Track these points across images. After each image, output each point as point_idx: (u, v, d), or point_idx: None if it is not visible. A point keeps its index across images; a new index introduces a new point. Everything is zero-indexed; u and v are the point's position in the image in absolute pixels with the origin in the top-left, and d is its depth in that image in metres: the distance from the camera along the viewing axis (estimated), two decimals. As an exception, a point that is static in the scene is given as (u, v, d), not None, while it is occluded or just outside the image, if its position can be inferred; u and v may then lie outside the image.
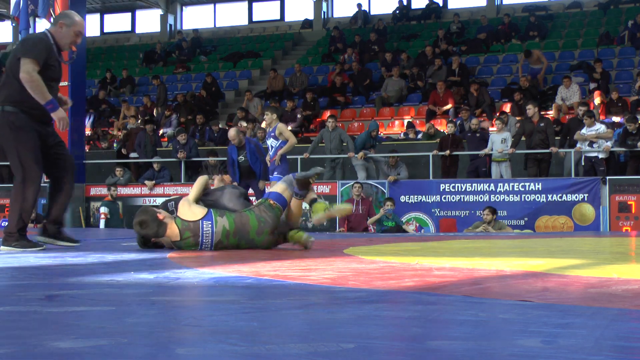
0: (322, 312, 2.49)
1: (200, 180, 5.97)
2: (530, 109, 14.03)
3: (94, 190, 15.68)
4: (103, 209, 14.78)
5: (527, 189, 13.15)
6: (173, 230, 5.64)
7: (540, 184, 13.10)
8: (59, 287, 3.45)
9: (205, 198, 5.97)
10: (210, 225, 5.61)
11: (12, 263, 4.60)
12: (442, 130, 16.31)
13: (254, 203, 6.22)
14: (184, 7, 28.81)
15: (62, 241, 6.26)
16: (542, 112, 15.48)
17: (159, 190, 15.26)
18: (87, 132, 18.10)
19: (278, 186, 5.95)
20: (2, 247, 5.94)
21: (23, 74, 5.69)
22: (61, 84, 15.58)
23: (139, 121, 18.46)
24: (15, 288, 3.30)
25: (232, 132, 11.93)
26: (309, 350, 1.80)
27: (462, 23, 22.85)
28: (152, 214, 5.71)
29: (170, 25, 28.42)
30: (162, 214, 5.68)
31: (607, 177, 12.94)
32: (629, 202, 12.71)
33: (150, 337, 2.02)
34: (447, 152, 14.37)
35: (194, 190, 5.89)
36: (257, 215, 5.73)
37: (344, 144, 15.09)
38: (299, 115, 18.45)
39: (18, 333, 2.09)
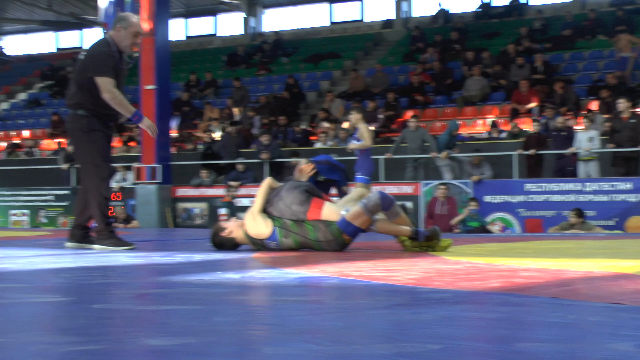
0: (407, 313, 2.48)
1: (264, 185, 5.80)
2: (622, 104, 13.64)
3: (180, 192, 15.98)
4: (223, 210, 15.00)
5: (616, 188, 12.81)
6: (242, 240, 5.69)
7: (630, 183, 12.75)
8: (149, 285, 3.53)
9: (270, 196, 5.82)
10: (275, 244, 5.61)
11: (105, 262, 4.73)
12: (526, 129, 16.03)
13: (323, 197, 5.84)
14: (265, 10, 29.08)
15: (89, 244, 6.31)
16: (631, 109, 15.06)
17: (243, 191, 15.44)
18: (173, 134, 18.45)
19: (353, 211, 5.46)
20: (95, 246, 6.14)
21: (105, 94, 5.98)
22: (148, 87, 15.97)
23: (225, 123, 18.74)
24: (107, 286, 3.39)
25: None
26: (394, 351, 1.80)
27: (545, 20, 22.41)
28: (216, 233, 5.82)
29: (252, 27, 28.71)
30: (227, 229, 5.74)
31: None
32: None
33: (237, 336, 2.05)
34: (532, 151, 14.12)
35: (258, 199, 5.70)
36: (318, 241, 5.53)
37: (427, 143, 14.98)
38: (380, 116, 18.40)
39: (111, 330, 2.15)
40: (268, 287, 3.30)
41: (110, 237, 6.12)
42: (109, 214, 6.24)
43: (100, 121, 6.14)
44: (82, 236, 6.36)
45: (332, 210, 5.52)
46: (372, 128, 17.89)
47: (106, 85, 5.98)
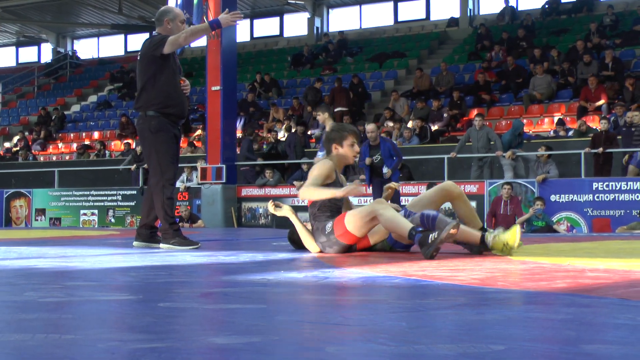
0: (471, 313, 2.46)
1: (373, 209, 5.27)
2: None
3: (245, 191, 16.12)
4: None
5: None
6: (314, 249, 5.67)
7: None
8: (214, 284, 3.58)
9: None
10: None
11: (171, 261, 4.81)
12: (594, 127, 15.73)
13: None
14: (330, 10, 29.13)
15: (156, 243, 6.39)
16: None
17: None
18: (238, 134, 18.63)
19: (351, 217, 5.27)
20: (161, 245, 6.24)
21: (178, 40, 6.01)
22: (214, 88, 16.13)
23: (290, 122, 18.85)
24: (173, 285, 3.44)
25: (371, 126, 12.24)
26: (457, 352, 1.79)
27: (616, 15, 21.94)
28: (290, 237, 5.95)
29: (317, 28, 28.79)
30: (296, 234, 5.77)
31: None
32: None
33: (300, 335, 2.06)
34: (600, 149, 13.85)
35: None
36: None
37: (492, 142, 14.82)
38: (445, 115, 18.28)
39: (176, 328, 2.19)
40: (331, 286, 3.31)
41: (175, 236, 6.21)
42: (174, 214, 6.33)
43: (168, 121, 6.22)
44: (148, 236, 6.46)
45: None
46: (435, 127, 17.80)
47: (170, 39, 6.00)
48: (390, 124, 17.97)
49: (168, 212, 6.23)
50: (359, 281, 3.50)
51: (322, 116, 11.00)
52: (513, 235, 4.90)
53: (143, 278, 3.77)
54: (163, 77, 6.12)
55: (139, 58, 6.28)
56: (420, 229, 4.84)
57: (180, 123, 6.39)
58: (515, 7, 25.21)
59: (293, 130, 17.94)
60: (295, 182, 15.49)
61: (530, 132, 17.22)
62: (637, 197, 12.78)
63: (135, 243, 6.49)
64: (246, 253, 5.55)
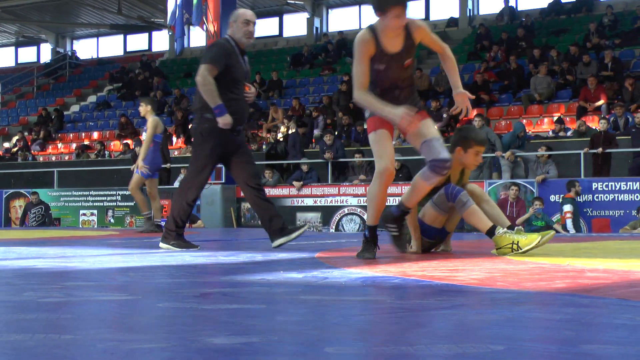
0: (471, 313, 2.46)
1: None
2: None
3: (244, 192, 16.12)
4: None
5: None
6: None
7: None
8: (213, 285, 3.58)
9: None
10: None
11: (170, 261, 4.81)
12: (594, 127, 15.73)
13: None
14: (329, 10, 29.13)
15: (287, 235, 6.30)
16: None
17: (306, 191, 15.50)
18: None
19: (424, 209, 5.37)
20: (160, 244, 6.24)
21: (197, 78, 6.02)
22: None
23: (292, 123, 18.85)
24: (173, 285, 3.44)
25: None
26: (457, 352, 1.79)
27: (615, 15, 21.95)
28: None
29: (317, 28, 28.79)
30: None
31: None
32: None
33: (300, 336, 2.06)
34: (600, 149, 13.85)
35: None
36: None
37: (491, 142, 14.82)
38: (445, 115, 18.28)
39: (176, 328, 2.19)
40: (330, 286, 3.30)
41: (177, 239, 6.20)
42: (185, 220, 6.27)
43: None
44: (280, 229, 6.35)
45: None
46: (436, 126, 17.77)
47: (201, 71, 5.99)
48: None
49: (182, 215, 6.20)
50: (358, 281, 3.49)
51: (144, 108, 10.69)
52: (530, 239, 4.83)
53: (142, 278, 3.77)
54: (221, 83, 6.05)
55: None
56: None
57: (239, 128, 6.25)
58: (514, 7, 25.22)
59: (294, 130, 17.94)
60: (294, 183, 15.50)
61: (530, 132, 17.22)
62: (637, 197, 12.78)
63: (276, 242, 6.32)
64: (245, 253, 5.55)
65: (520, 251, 4.83)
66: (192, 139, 6.44)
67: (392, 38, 4.99)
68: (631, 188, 12.91)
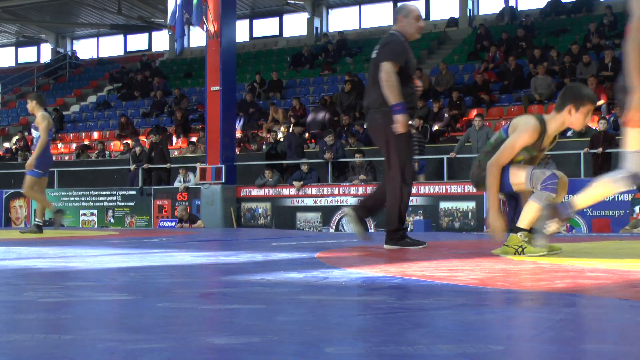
0: (471, 313, 2.46)
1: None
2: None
3: (245, 192, 16.11)
4: None
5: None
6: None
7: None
8: (213, 285, 3.58)
9: None
10: None
11: (170, 261, 4.81)
12: (593, 127, 15.74)
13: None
14: (329, 10, 29.13)
15: (408, 246, 6.08)
16: None
17: (306, 191, 15.50)
18: (238, 134, 18.63)
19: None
20: (385, 245, 6.06)
21: (383, 74, 5.97)
22: (213, 88, 16.16)
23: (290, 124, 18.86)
24: (173, 285, 3.44)
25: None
26: (457, 352, 1.80)
27: (614, 15, 21.95)
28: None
29: (317, 28, 28.79)
30: None
31: None
32: None
33: (300, 335, 2.07)
34: (600, 149, 13.86)
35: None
36: None
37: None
38: (446, 115, 18.28)
39: (176, 328, 2.19)
40: (331, 286, 3.30)
41: (402, 238, 6.05)
42: (405, 219, 6.17)
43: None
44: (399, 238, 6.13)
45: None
46: (436, 127, 17.78)
47: (386, 67, 5.96)
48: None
49: (403, 213, 6.10)
50: (358, 281, 3.50)
51: (31, 104, 10.25)
52: (537, 251, 4.87)
53: (142, 278, 3.77)
54: (401, 78, 6.03)
55: (374, 55, 6.22)
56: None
57: (412, 118, 6.24)
58: (514, 7, 25.21)
59: (291, 130, 17.94)
60: (294, 182, 15.49)
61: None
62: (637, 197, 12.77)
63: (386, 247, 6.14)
64: (246, 253, 5.55)
65: (522, 254, 4.84)
66: (377, 137, 6.25)
67: (552, 134, 5.17)
68: (631, 188, 12.88)
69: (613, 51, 18.93)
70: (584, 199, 4.76)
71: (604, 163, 14.04)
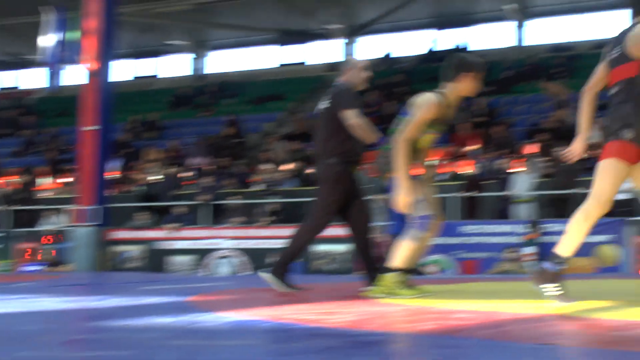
0: (341, 356, 2.46)
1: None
2: (561, 149, 13.99)
3: (118, 234, 15.72)
4: None
5: (552, 229, 13.00)
6: None
7: (564, 225, 12.93)
8: (79, 331, 3.45)
9: None
10: None
11: (33, 307, 4.61)
12: (465, 172, 16.24)
13: None
14: (211, 51, 29.14)
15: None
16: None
17: (182, 233, 15.28)
18: (115, 175, 18.23)
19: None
20: (265, 275, 5.95)
21: (351, 122, 6.08)
22: (88, 128, 15.78)
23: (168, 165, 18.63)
24: (34, 333, 3.30)
25: None
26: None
27: (488, 64, 22.84)
28: None
29: (198, 69, 28.74)
30: None
31: (632, 218, 12.78)
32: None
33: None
34: (471, 193, 14.31)
35: None
36: None
37: (366, 186, 15.06)
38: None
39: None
40: (202, 331, 3.25)
41: (282, 279, 5.95)
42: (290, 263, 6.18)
43: (349, 168, 6.24)
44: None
45: None
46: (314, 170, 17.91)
47: (352, 115, 6.11)
48: (268, 166, 17.99)
49: (294, 258, 6.16)
50: (229, 325, 3.45)
51: None
52: (409, 293, 4.98)
53: (5, 326, 3.59)
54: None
55: (323, 105, 6.37)
56: None
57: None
58: (392, 53, 25.85)
59: (167, 173, 17.72)
60: (169, 225, 15.24)
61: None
62: (505, 239, 13.22)
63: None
64: (115, 297, 5.39)
65: (392, 297, 4.91)
66: (320, 184, 6.37)
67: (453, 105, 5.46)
68: (499, 231, 13.34)
69: (485, 98, 19.69)
70: (567, 246, 4.57)
71: (474, 206, 14.49)
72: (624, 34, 4.46)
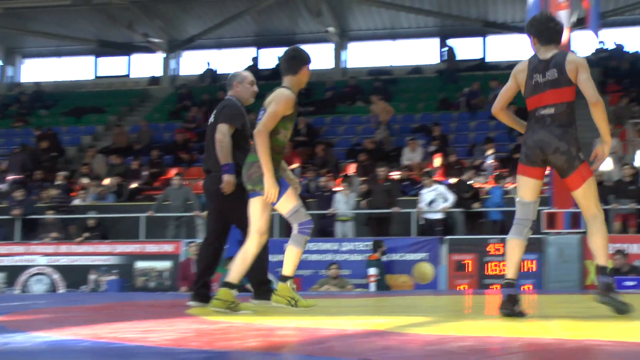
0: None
1: None
2: (382, 171, 14.54)
3: None
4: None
5: (370, 248, 13.39)
6: None
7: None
8: None
9: None
10: None
11: None
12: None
13: None
14: (25, 59, 27.95)
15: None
16: (387, 173, 15.90)
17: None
18: None
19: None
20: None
21: (218, 135, 6.24)
22: None
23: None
24: None
25: None
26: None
27: (309, 84, 23.24)
28: None
29: (10, 77, 27.47)
30: None
31: (445, 237, 13.41)
32: (465, 261, 13.16)
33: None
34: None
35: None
36: None
37: (190, 202, 14.94)
38: (144, 173, 18.14)
39: None
40: (14, 352, 3.07)
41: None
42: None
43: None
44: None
45: None
46: (134, 185, 17.56)
47: (222, 129, 6.24)
48: (87, 180, 17.44)
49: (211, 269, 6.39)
50: (44, 346, 3.29)
51: None
52: (307, 303, 5.21)
53: None
54: (237, 140, 6.38)
55: (212, 120, 6.51)
56: None
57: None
58: (216, 70, 25.80)
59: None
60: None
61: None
62: (326, 257, 13.48)
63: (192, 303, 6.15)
64: None
65: (296, 307, 5.14)
66: (215, 199, 6.49)
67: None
68: (321, 248, 13.59)
69: (306, 118, 20.03)
70: (601, 255, 4.71)
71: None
72: (560, 57, 4.63)
